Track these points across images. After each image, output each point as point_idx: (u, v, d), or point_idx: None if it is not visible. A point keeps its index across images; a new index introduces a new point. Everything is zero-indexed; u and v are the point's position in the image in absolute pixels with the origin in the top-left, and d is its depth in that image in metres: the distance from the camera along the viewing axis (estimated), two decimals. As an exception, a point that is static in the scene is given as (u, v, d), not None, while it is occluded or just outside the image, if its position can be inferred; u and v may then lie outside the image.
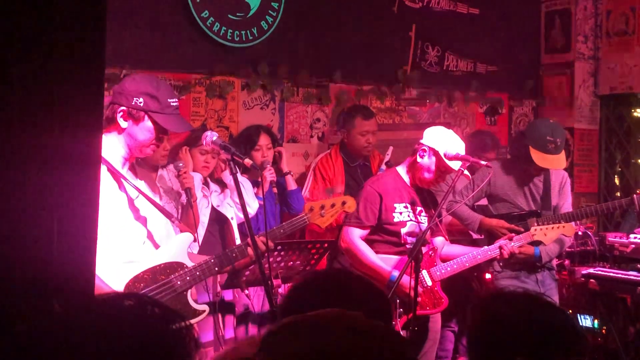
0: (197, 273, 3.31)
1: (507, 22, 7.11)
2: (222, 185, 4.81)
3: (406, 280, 4.01)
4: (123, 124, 3.14)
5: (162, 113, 3.14)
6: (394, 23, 6.41)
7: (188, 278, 3.27)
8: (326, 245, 4.53)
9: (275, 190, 4.91)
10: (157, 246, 3.30)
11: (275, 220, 5.07)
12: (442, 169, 4.39)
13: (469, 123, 6.86)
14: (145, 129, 3.15)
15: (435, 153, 4.37)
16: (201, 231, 4.43)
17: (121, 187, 3.20)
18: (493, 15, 7.01)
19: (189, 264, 3.32)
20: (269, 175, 4.94)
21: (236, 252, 3.47)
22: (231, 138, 5.44)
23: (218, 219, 4.66)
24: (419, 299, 4.11)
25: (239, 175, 3.51)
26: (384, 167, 5.42)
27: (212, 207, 4.61)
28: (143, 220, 3.27)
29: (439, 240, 4.57)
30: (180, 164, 4.35)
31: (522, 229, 4.81)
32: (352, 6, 6.15)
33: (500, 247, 4.40)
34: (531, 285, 4.89)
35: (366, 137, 5.47)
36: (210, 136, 3.37)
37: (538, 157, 4.84)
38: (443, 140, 4.40)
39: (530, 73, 7.34)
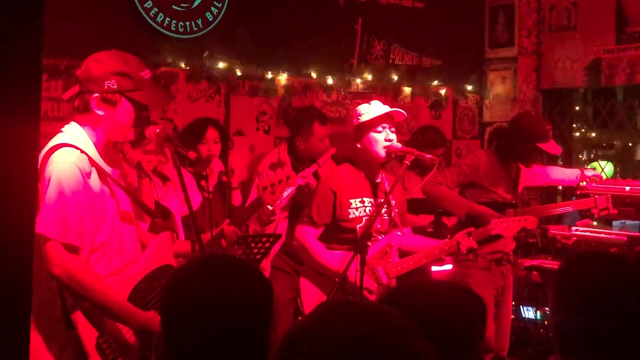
0: None
1: (451, 17, 7.17)
2: (164, 179, 4.73)
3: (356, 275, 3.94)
4: (99, 112, 2.94)
5: (137, 90, 2.96)
6: (341, 16, 6.40)
7: None
8: (272, 239, 4.50)
9: (225, 178, 4.83)
10: (146, 244, 3.18)
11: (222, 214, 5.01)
12: (369, 139, 4.14)
13: (414, 117, 6.89)
14: (124, 111, 2.96)
15: (358, 126, 4.16)
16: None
17: (112, 191, 3.01)
18: (438, 10, 7.06)
19: (175, 264, 3.20)
20: (216, 165, 4.87)
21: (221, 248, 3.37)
22: (175, 130, 5.35)
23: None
24: (373, 297, 4.04)
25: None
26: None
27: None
28: (131, 220, 3.11)
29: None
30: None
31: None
32: (298, -2, 6.12)
33: (459, 242, 4.22)
34: (497, 278, 4.93)
35: (324, 141, 5.40)
36: (154, 129, 3.23)
37: (549, 147, 4.89)
38: (360, 111, 4.20)
39: (474, 67, 7.42)
